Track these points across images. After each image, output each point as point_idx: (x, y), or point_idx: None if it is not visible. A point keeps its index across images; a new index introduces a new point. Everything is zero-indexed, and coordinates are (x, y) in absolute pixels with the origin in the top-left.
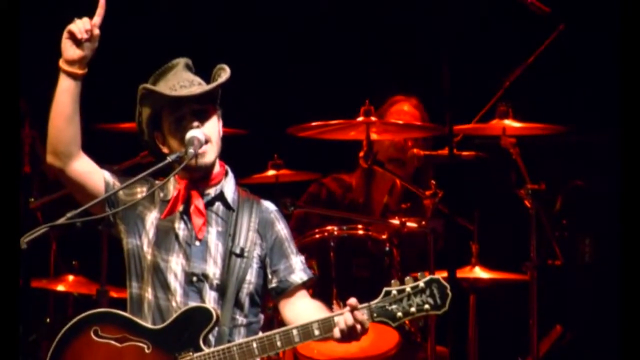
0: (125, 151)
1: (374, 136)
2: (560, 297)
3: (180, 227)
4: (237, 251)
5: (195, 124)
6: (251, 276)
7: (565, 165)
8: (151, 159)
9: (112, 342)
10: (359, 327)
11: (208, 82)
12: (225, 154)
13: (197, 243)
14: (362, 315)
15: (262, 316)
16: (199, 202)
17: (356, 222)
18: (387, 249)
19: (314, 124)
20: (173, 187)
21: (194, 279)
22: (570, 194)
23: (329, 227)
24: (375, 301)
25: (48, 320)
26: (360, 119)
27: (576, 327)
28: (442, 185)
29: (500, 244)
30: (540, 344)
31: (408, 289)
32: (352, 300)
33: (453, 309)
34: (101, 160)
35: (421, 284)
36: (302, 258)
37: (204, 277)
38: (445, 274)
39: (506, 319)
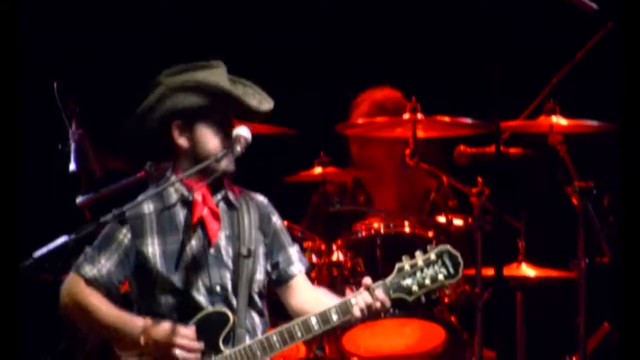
0: None
1: (420, 133)
2: (608, 295)
3: (191, 238)
4: (245, 252)
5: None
6: (260, 274)
7: (613, 162)
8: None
9: (136, 357)
10: (378, 304)
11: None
12: (271, 151)
13: (212, 251)
14: (381, 293)
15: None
16: (212, 205)
17: (402, 220)
18: None
19: (360, 121)
20: (175, 191)
21: (217, 288)
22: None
23: (375, 225)
24: (389, 278)
25: None
26: (407, 116)
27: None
28: (488, 182)
29: (547, 242)
30: (588, 342)
31: (420, 262)
32: (367, 280)
33: (500, 306)
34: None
35: (432, 255)
36: (297, 247)
37: (224, 284)
38: (492, 272)
39: (553, 317)
